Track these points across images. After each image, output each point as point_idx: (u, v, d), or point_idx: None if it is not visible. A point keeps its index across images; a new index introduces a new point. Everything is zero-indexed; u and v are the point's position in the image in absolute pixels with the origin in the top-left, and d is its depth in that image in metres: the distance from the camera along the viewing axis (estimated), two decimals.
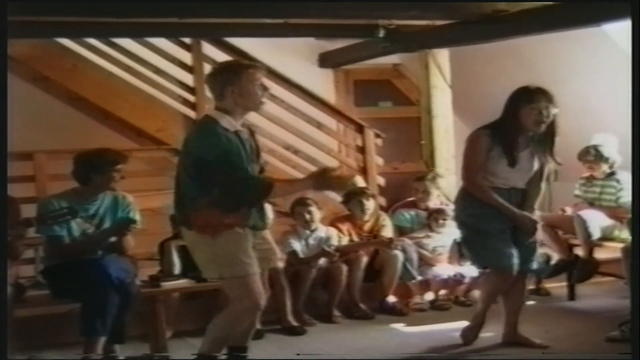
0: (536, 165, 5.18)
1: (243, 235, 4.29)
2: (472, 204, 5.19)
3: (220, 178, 4.22)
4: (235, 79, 4.30)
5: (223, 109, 4.33)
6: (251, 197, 4.32)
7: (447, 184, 7.28)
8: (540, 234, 5.31)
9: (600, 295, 6.78)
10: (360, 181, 7.26)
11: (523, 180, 5.17)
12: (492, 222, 5.11)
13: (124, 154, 5.37)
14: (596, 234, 6.44)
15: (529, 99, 5.06)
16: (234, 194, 4.26)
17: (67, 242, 5.16)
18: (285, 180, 4.63)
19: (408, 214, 7.09)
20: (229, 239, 4.25)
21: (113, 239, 5.28)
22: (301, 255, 6.47)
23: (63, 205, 4.98)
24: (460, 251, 6.61)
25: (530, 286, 6.89)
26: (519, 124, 5.05)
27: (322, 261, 6.46)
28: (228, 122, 4.28)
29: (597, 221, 6.46)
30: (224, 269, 4.29)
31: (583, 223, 6.43)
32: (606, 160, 6.61)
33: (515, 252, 5.12)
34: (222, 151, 4.19)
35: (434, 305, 6.70)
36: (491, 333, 5.50)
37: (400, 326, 6.20)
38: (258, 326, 5.82)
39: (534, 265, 5.35)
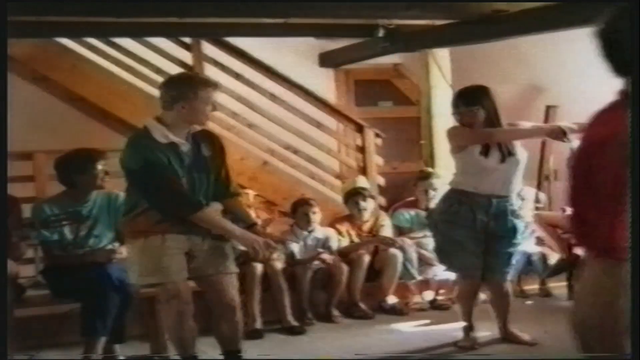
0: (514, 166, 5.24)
1: (160, 244, 4.29)
2: (449, 209, 5.28)
3: (145, 189, 4.31)
4: (190, 95, 4.29)
5: (163, 121, 4.35)
6: (174, 211, 4.35)
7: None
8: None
9: None
10: (363, 182, 7.27)
11: (506, 185, 5.21)
12: (463, 230, 5.18)
13: (101, 151, 5.33)
14: None
15: (452, 105, 5.30)
16: (160, 205, 4.32)
17: (59, 248, 5.19)
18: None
19: (408, 214, 7.09)
20: (145, 247, 4.32)
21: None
22: (298, 257, 6.48)
23: (55, 210, 5.00)
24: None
25: (534, 286, 6.93)
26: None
27: (317, 262, 6.48)
28: (161, 134, 4.31)
29: None
30: (139, 276, 4.46)
31: None
32: None
33: (479, 263, 5.20)
34: (145, 162, 4.24)
35: (434, 305, 6.72)
36: (488, 332, 5.53)
37: (400, 326, 6.21)
38: (258, 326, 5.85)
39: (507, 276, 5.40)
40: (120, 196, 5.32)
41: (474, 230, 5.16)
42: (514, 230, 5.26)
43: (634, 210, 4.08)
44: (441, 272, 6.67)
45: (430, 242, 6.79)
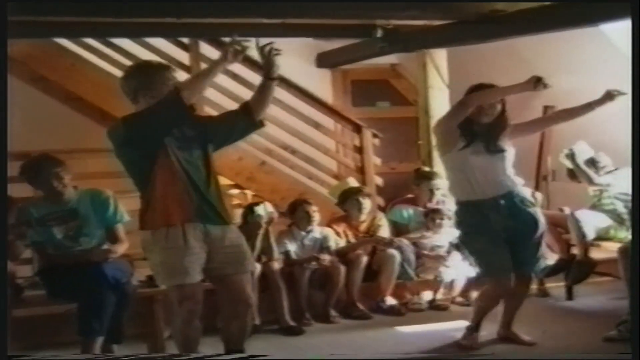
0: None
1: (182, 244, 4.27)
2: (462, 222, 5.28)
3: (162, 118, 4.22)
4: (147, 82, 4.30)
5: None
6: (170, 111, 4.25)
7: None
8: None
9: (598, 295, 6.77)
10: (353, 183, 7.26)
11: (503, 181, 5.19)
12: (483, 237, 5.15)
13: (55, 158, 5.28)
14: (591, 234, 6.43)
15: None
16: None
17: (50, 248, 5.21)
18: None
19: (406, 211, 7.10)
20: (167, 248, 4.28)
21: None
22: (294, 257, 6.49)
23: (42, 211, 5.08)
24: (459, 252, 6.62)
25: (532, 286, 6.92)
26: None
27: (314, 263, 6.45)
28: None
29: (592, 221, 6.46)
30: (162, 277, 4.46)
31: (576, 223, 6.43)
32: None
33: (508, 265, 5.14)
34: (144, 119, 4.21)
35: (432, 305, 6.70)
36: (486, 332, 5.52)
37: (398, 326, 6.19)
38: (257, 322, 5.85)
39: (537, 267, 5.38)
40: (104, 193, 5.37)
41: (493, 234, 5.11)
42: (533, 220, 5.22)
43: (634, 210, 4.09)
44: (446, 273, 6.67)
45: (428, 242, 6.83)
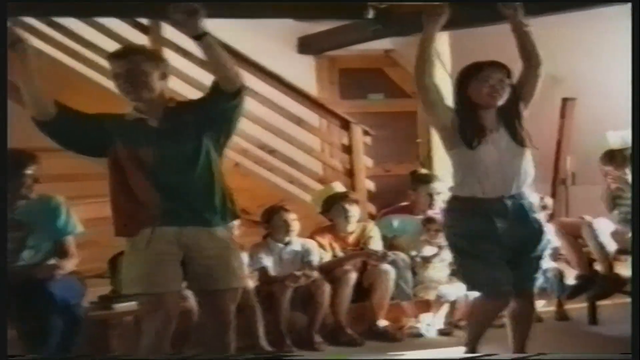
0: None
1: (144, 247, 4.27)
2: (461, 221, 5.13)
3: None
4: (112, 71, 4.45)
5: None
6: None
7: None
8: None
9: (625, 318, 6.72)
10: (340, 188, 7.23)
11: (515, 180, 5.05)
12: (483, 242, 5.02)
13: (33, 154, 5.26)
14: (610, 245, 6.42)
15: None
16: None
17: None
18: None
19: (396, 221, 7.17)
20: (132, 253, 4.34)
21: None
22: (273, 273, 6.44)
23: None
24: None
25: (551, 307, 6.89)
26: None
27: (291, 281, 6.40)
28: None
29: (611, 230, 6.46)
30: (123, 284, 4.48)
31: (592, 232, 6.41)
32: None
33: (507, 277, 5.04)
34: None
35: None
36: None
37: (392, 353, 6.10)
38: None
39: (538, 283, 5.30)
40: (54, 199, 5.33)
41: (496, 240, 5.00)
42: (539, 228, 5.13)
43: (634, 210, 4.12)
44: (445, 292, 6.66)
45: (427, 255, 6.83)
